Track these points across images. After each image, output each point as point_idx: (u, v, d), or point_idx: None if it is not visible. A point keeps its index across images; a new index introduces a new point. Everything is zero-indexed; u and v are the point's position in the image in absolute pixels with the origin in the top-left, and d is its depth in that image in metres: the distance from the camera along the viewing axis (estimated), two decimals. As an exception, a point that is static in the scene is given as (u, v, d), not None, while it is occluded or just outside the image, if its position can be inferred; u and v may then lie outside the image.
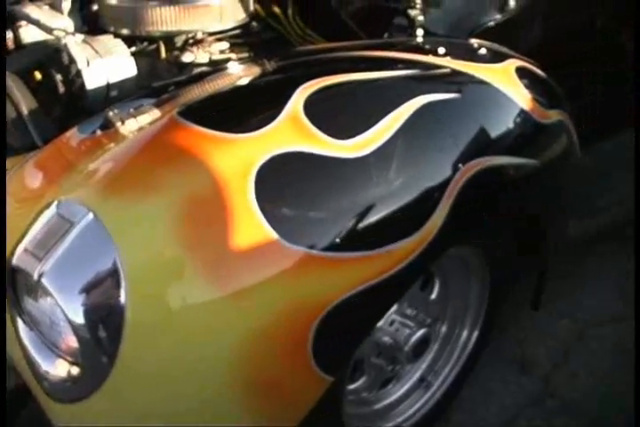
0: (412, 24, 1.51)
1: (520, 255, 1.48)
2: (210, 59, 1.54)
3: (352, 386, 1.41)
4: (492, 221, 1.30)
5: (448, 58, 1.33)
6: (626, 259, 2.18)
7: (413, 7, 1.50)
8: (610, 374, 1.79)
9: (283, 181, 0.98)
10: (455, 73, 1.27)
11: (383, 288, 1.05)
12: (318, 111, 1.05)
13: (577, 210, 1.82)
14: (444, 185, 1.10)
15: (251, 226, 0.95)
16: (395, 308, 1.37)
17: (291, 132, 1.01)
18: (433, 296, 1.48)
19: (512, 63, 1.40)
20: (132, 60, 1.42)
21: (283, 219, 0.97)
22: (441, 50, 1.37)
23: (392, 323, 1.39)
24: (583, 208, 1.92)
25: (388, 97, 1.13)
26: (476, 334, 1.57)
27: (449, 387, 1.58)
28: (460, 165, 1.12)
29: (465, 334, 1.57)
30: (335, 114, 1.09)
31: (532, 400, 1.73)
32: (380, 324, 1.35)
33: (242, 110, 1.09)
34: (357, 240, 1.02)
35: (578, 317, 1.96)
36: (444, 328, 1.55)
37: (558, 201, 1.53)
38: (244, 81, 1.20)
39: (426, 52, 1.35)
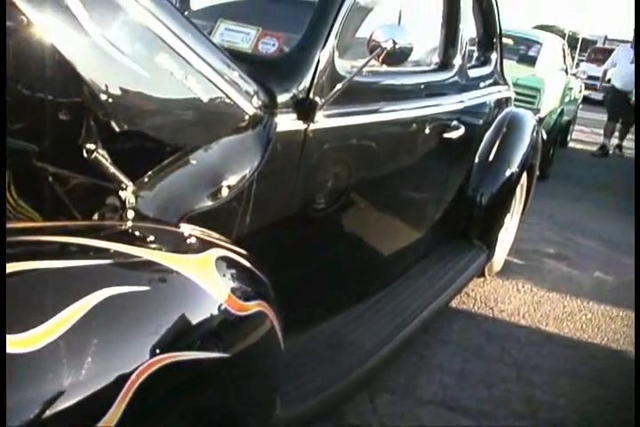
0: (124, 206, 1.59)
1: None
2: None
3: None
4: (177, 418, 1.32)
5: (147, 247, 1.40)
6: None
7: (125, 189, 1.59)
8: None
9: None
10: (149, 263, 1.32)
11: None
12: (-11, 304, 1.05)
13: (285, 394, 1.90)
14: (120, 383, 1.11)
15: None
16: None
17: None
18: None
19: (214, 253, 1.49)
20: None
21: None
22: (142, 237, 1.44)
23: None
24: (293, 392, 2.00)
25: (69, 289, 1.15)
26: None
27: None
28: (138, 362, 1.14)
29: None
30: (9, 306, 1.09)
31: None
32: None
33: None
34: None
35: None
36: None
37: (257, 391, 1.59)
38: None
39: (126, 240, 1.40)
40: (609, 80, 9.05)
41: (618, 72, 8.78)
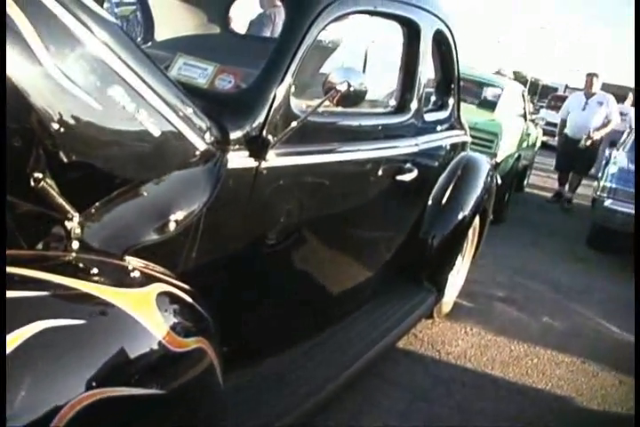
0: (69, 236, 1.59)
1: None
2: None
3: None
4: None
5: (88, 279, 1.40)
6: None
7: (71, 219, 1.59)
8: None
9: None
10: (88, 297, 1.33)
11: None
12: None
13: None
14: (50, 416, 1.11)
15: None
16: None
17: None
18: None
19: (156, 288, 1.50)
20: None
21: None
22: (84, 269, 1.44)
23: None
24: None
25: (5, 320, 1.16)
26: None
27: None
28: (71, 395, 1.15)
29: None
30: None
31: None
32: None
33: None
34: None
35: None
36: None
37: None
38: None
39: (67, 272, 1.41)
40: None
41: (571, 120, 8.81)
